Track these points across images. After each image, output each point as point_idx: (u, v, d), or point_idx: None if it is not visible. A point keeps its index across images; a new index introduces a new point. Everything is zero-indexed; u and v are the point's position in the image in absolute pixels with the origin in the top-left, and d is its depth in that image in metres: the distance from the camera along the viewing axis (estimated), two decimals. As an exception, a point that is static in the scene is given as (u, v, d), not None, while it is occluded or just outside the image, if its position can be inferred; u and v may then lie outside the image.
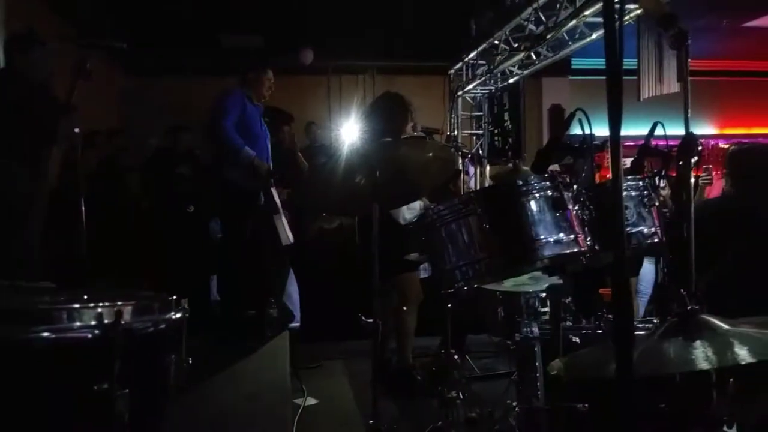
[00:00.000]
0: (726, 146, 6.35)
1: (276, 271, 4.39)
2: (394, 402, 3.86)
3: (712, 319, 1.47)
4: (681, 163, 2.25)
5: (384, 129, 3.87)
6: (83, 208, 2.65)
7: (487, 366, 4.47)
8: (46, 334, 0.81)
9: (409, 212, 3.92)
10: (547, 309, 2.71)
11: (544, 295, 2.91)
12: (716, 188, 5.17)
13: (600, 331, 2.31)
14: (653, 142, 2.51)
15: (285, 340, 4.06)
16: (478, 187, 6.40)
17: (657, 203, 2.25)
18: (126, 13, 6.91)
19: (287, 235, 4.56)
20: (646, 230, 2.26)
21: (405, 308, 4.05)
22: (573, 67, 9.10)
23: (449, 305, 3.82)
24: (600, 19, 4.77)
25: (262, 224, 4.38)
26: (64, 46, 2.70)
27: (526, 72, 6.64)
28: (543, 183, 2.05)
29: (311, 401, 3.82)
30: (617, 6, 1.26)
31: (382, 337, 4.01)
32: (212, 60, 7.84)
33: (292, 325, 4.37)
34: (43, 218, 4.36)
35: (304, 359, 4.62)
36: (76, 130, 2.70)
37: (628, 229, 2.19)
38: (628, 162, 2.60)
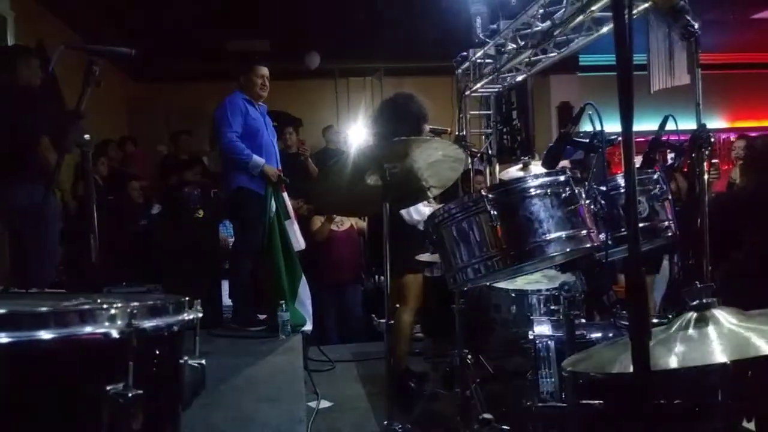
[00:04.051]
0: (734, 139, 6.28)
1: (288, 276, 4.39)
2: (409, 403, 3.84)
3: (727, 312, 1.45)
4: (693, 155, 2.23)
5: (397, 130, 3.79)
6: (95, 215, 2.66)
7: (500, 365, 4.44)
8: (58, 336, 0.81)
9: (417, 214, 3.88)
10: (560, 306, 2.70)
11: (557, 292, 2.90)
12: (722, 182, 5.14)
13: (614, 328, 2.29)
14: (664, 136, 2.50)
15: (298, 343, 4.06)
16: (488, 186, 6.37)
17: (670, 197, 2.24)
18: (133, 21, 6.95)
19: (298, 240, 4.56)
20: (659, 224, 2.25)
21: (398, 307, 3.98)
22: (581, 63, 9.05)
23: (462, 304, 3.81)
24: (607, 14, 4.76)
25: (273, 229, 4.37)
26: (73, 54, 2.70)
27: (533, 70, 6.61)
28: (554, 179, 2.04)
29: (325, 404, 3.82)
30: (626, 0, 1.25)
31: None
32: (220, 65, 7.87)
33: (304, 328, 4.37)
34: (57, 225, 4.38)
35: (318, 362, 4.62)
36: (87, 137, 2.71)
37: (640, 224, 2.19)
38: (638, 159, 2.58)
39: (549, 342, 2.52)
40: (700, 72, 2.33)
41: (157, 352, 0.95)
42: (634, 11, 3.88)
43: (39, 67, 4.10)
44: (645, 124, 3.51)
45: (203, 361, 1.10)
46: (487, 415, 2.92)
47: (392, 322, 2.54)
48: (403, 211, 3.76)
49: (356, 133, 8.46)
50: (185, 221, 5.87)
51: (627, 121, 1.23)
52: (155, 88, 9.16)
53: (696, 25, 2.26)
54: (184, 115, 8.58)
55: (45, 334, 0.80)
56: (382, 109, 4.15)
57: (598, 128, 2.15)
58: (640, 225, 2.16)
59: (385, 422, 2.44)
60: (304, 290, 4.47)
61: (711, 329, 1.42)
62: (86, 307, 0.84)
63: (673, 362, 1.35)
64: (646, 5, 3.83)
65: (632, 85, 1.21)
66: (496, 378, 4.17)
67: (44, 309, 0.84)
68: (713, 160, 5.28)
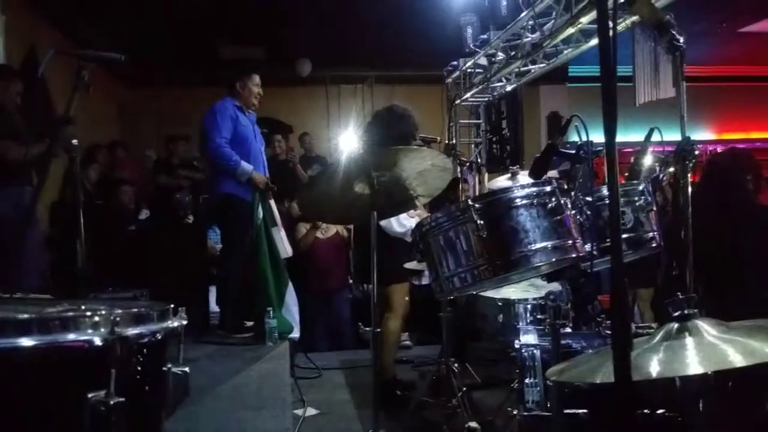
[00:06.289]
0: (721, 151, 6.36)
1: (275, 283, 4.37)
2: (396, 411, 3.84)
3: (708, 323, 1.47)
4: (678, 167, 2.26)
5: (387, 140, 3.79)
6: (82, 220, 2.65)
7: (487, 374, 4.46)
8: (41, 343, 0.81)
9: (400, 226, 3.88)
10: (546, 316, 2.72)
11: (542, 302, 2.91)
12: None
13: (599, 337, 2.31)
14: (650, 148, 2.53)
15: (285, 350, 4.05)
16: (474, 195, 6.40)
17: (655, 208, 2.26)
18: (125, 26, 6.94)
19: (285, 247, 4.55)
20: (644, 235, 2.27)
21: (385, 315, 4.00)
22: (570, 74, 9.13)
23: (449, 313, 3.82)
24: (596, 26, 4.81)
25: (261, 236, 4.36)
26: (63, 59, 2.70)
27: (523, 80, 6.66)
28: (540, 189, 2.05)
29: (311, 412, 3.81)
30: (611, 12, 1.27)
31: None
32: (212, 72, 7.87)
33: (291, 335, 4.36)
34: (42, 230, 4.35)
35: (304, 369, 4.61)
36: (75, 142, 2.71)
37: (625, 234, 2.21)
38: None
39: (535, 351, 2.54)
40: (685, 85, 2.36)
41: (140, 360, 0.95)
42: (621, 24, 3.92)
43: (17, 93, 4.03)
44: (632, 135, 3.53)
45: (187, 369, 1.10)
46: (473, 424, 2.92)
47: (379, 330, 2.55)
48: (383, 223, 3.74)
49: (346, 140, 8.48)
50: (174, 227, 5.85)
51: (611, 131, 1.25)
52: (147, 94, 9.13)
53: (681, 39, 2.29)
54: (177, 121, 8.55)
55: (27, 341, 0.80)
56: (375, 118, 4.17)
57: (585, 139, 2.16)
58: (625, 236, 2.18)
59: (371, 430, 2.44)
60: (291, 297, 4.47)
61: (692, 340, 1.43)
62: (69, 314, 0.84)
63: (655, 372, 1.36)
64: (633, 18, 3.88)
65: (616, 96, 1.23)
66: (482, 386, 4.18)
67: (27, 316, 0.84)
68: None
